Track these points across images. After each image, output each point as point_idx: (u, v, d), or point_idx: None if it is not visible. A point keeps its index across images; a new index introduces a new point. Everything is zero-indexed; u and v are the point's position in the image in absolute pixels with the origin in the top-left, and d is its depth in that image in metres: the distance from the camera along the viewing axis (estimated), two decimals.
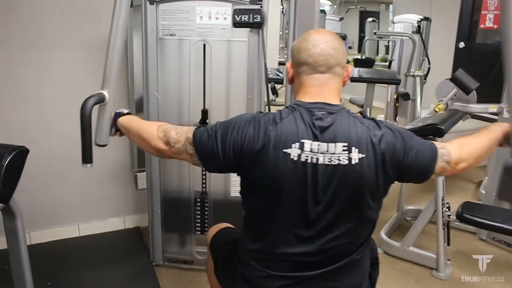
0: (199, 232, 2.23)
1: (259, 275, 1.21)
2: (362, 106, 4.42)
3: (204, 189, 2.17)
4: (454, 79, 2.35)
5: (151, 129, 1.27)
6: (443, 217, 2.28)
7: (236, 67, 1.99)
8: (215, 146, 1.14)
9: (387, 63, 5.29)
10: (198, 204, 2.19)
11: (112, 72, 1.44)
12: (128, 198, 2.64)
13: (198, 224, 2.23)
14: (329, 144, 1.09)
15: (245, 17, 1.90)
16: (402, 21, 4.46)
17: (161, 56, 2.00)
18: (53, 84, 2.35)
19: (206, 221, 2.22)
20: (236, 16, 1.90)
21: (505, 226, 2.03)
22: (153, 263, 2.30)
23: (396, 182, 1.18)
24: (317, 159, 1.09)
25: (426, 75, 3.98)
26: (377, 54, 6.12)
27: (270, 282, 1.19)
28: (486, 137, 1.33)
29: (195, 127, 1.23)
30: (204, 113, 2.05)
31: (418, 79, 3.97)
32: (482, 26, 4.95)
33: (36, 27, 2.24)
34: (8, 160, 1.48)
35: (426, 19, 4.19)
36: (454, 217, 2.20)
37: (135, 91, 2.51)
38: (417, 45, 4.02)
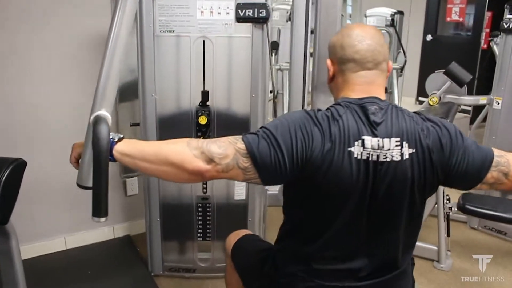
0: (200, 239, 2.13)
1: (306, 285, 1.13)
2: None
3: (205, 193, 2.07)
4: (448, 72, 2.38)
5: (180, 149, 1.01)
6: (444, 209, 2.30)
7: (239, 64, 1.89)
8: (279, 152, 0.99)
9: None
10: (199, 209, 2.09)
11: (110, 88, 1.09)
12: (117, 206, 2.48)
13: (200, 230, 2.12)
14: (384, 139, 1.03)
15: (249, 11, 1.81)
16: (375, 15, 4.51)
17: (158, 54, 1.86)
18: (42, 89, 2.17)
19: (208, 226, 2.12)
20: (239, 11, 1.81)
21: (508, 216, 2.09)
22: (152, 273, 2.17)
23: None
24: (377, 156, 1.02)
25: (402, 68, 4.04)
26: None
27: None
28: None
29: (238, 136, 1.04)
30: (206, 110, 1.93)
31: (394, 72, 4.03)
32: (448, 19, 5.11)
33: (29, 26, 2.06)
34: (5, 176, 1.33)
35: (400, 12, 4.25)
36: (455, 209, 2.23)
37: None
38: (392, 38, 4.07)
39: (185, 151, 1.00)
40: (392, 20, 4.22)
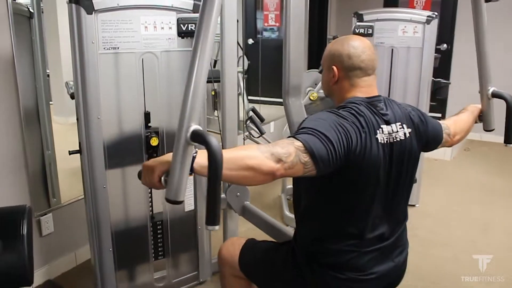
0: (154, 259, 2.07)
1: (352, 256, 1.36)
2: None
3: (151, 211, 2.02)
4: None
5: (255, 154, 1.11)
6: None
7: (183, 79, 1.93)
8: (330, 145, 1.18)
9: None
10: (151, 228, 2.03)
11: (198, 101, 1.01)
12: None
13: (153, 250, 2.06)
14: (392, 125, 1.34)
15: (192, 26, 1.86)
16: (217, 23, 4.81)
17: (102, 73, 1.74)
18: None
19: (160, 244, 2.07)
20: (182, 26, 1.85)
21: None
22: None
23: None
24: (393, 138, 1.32)
25: (246, 71, 4.48)
26: None
27: (361, 258, 1.36)
28: (471, 115, 1.72)
29: (290, 137, 1.19)
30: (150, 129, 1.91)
31: (240, 75, 4.44)
32: (266, 24, 5.82)
33: None
34: (26, 227, 1.14)
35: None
36: None
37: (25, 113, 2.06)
38: None
39: (259, 155, 1.11)
40: None
